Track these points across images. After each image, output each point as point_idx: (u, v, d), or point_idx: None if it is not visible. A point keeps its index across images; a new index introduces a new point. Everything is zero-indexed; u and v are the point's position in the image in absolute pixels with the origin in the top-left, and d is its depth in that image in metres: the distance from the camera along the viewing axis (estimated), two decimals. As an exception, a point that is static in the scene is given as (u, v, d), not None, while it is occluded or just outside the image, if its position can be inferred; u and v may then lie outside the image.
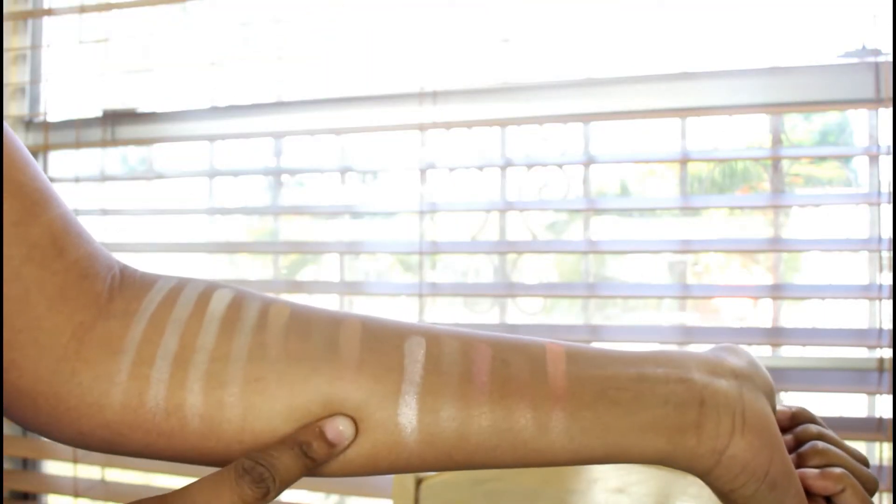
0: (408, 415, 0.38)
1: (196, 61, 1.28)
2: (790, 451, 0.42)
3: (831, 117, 1.12)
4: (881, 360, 0.96)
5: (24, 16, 1.36)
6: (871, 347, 0.97)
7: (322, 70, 1.25)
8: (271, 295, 0.42)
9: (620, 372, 0.39)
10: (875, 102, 0.96)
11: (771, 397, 0.41)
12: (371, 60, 1.20)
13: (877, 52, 1.00)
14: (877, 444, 0.96)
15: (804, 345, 1.00)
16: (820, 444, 0.41)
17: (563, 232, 1.21)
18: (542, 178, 1.14)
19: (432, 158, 1.15)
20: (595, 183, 1.14)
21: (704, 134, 1.09)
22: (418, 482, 0.79)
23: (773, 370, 0.92)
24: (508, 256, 1.17)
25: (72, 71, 1.34)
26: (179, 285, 0.40)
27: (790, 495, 0.38)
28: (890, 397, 0.94)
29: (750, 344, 1.01)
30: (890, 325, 0.95)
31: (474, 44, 1.14)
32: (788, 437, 0.43)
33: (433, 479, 0.79)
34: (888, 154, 0.95)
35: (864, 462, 0.42)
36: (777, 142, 1.03)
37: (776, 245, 1.03)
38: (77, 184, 1.33)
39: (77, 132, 1.32)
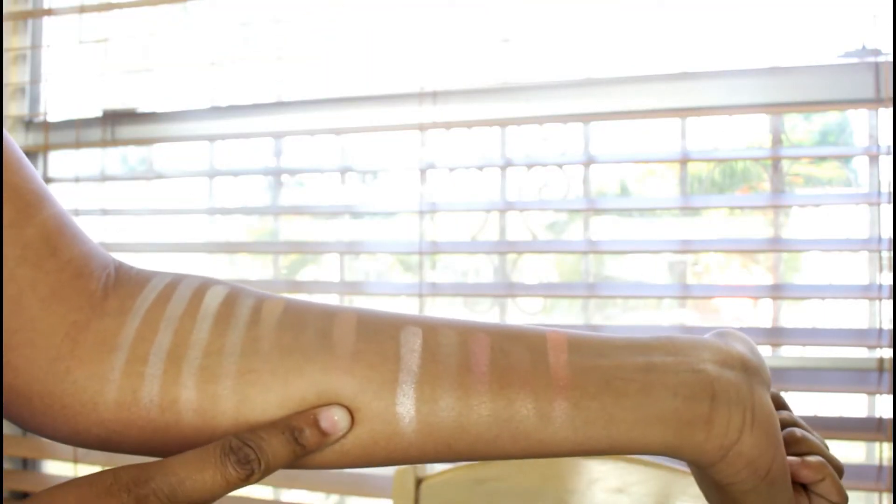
0: (405, 404, 0.37)
1: (196, 61, 1.28)
2: None
3: (831, 117, 1.11)
4: (881, 360, 0.95)
5: (24, 16, 1.36)
6: (871, 347, 0.96)
7: (322, 70, 1.25)
8: (267, 292, 0.42)
9: (626, 361, 0.38)
10: (875, 102, 0.96)
11: (769, 389, 0.41)
12: (371, 60, 1.20)
13: (877, 52, 1.00)
14: (877, 444, 0.96)
15: (804, 345, 1.00)
16: (797, 431, 0.41)
17: (563, 232, 1.21)
18: (542, 178, 1.14)
19: (432, 158, 1.15)
20: (595, 183, 1.13)
21: (704, 134, 1.09)
22: (418, 482, 0.79)
23: (773, 370, 0.91)
24: (508, 256, 1.17)
25: (72, 71, 1.34)
26: (174, 282, 0.40)
27: (784, 490, 0.38)
28: (890, 397, 0.94)
29: (750, 344, 1.01)
30: (890, 325, 0.94)
31: (474, 44, 1.14)
32: None
33: (433, 478, 0.79)
34: (888, 154, 0.95)
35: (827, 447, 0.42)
36: (777, 142, 1.03)
37: (776, 245, 1.02)
38: (77, 184, 1.34)
39: (77, 132, 1.32)
